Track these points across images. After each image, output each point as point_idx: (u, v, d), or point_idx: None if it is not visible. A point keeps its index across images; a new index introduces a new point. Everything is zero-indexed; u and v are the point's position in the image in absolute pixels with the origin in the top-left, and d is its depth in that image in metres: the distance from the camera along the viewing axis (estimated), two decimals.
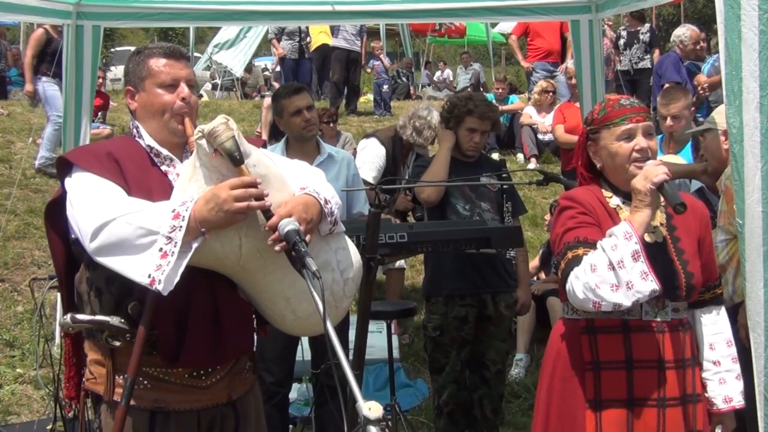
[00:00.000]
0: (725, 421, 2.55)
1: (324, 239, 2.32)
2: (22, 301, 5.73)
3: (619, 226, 2.34)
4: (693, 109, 4.52)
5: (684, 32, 8.09)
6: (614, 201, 2.54)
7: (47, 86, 8.23)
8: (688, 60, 7.98)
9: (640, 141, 2.45)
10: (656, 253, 2.42)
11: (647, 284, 2.28)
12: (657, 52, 9.69)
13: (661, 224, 2.51)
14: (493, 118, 4.18)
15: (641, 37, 9.65)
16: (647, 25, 10.01)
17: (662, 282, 2.33)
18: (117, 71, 16.94)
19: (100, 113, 9.60)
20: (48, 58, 8.13)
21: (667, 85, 7.10)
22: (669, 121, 4.31)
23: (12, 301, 5.75)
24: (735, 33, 2.56)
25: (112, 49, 16.49)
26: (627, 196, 2.47)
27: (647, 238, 2.44)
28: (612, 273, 2.29)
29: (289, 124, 4.05)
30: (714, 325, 2.59)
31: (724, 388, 2.53)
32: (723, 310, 2.62)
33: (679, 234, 2.51)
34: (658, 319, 2.47)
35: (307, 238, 2.13)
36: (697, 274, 2.48)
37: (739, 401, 2.54)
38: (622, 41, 9.71)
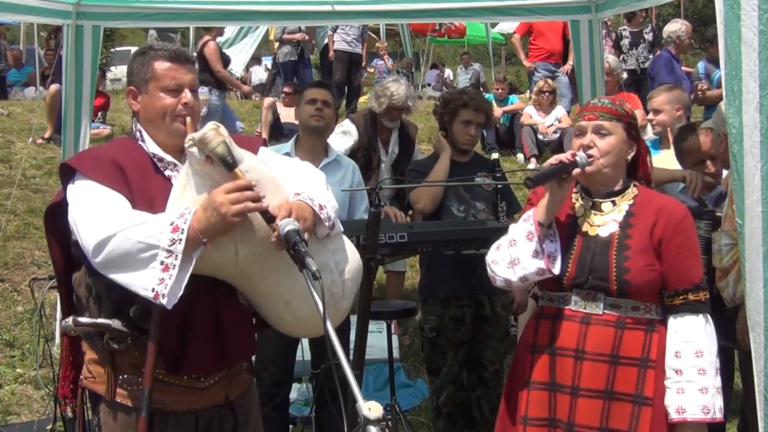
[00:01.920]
0: None
1: (321, 241, 2.32)
2: (22, 301, 5.73)
3: (527, 212, 2.59)
4: (679, 106, 4.50)
5: (679, 27, 7.82)
6: (575, 196, 2.68)
7: (214, 98, 8.69)
8: (683, 55, 7.79)
9: (586, 138, 2.58)
10: (593, 246, 2.56)
11: (534, 262, 2.50)
12: (658, 52, 9.66)
13: (614, 220, 2.59)
14: (488, 110, 4.25)
15: (646, 36, 9.64)
16: (649, 26, 9.99)
17: (590, 273, 2.50)
18: (117, 71, 16.91)
19: (100, 113, 9.59)
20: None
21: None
22: (650, 115, 4.47)
23: (12, 301, 5.75)
24: (735, 33, 2.56)
25: (112, 49, 16.45)
26: (585, 191, 2.65)
27: (591, 231, 2.58)
28: (508, 251, 2.56)
29: (302, 111, 4.13)
30: (684, 333, 2.48)
31: (680, 398, 2.44)
32: (701, 320, 2.50)
33: (632, 231, 2.56)
34: (586, 311, 2.54)
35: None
36: (635, 271, 2.49)
37: (693, 414, 2.42)
38: (627, 41, 9.67)
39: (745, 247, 2.62)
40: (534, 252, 2.50)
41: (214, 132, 2.12)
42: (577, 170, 2.53)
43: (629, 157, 2.63)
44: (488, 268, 2.65)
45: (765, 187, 2.57)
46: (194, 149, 2.14)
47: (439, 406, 4.15)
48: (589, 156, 2.55)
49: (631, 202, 2.60)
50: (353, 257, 2.43)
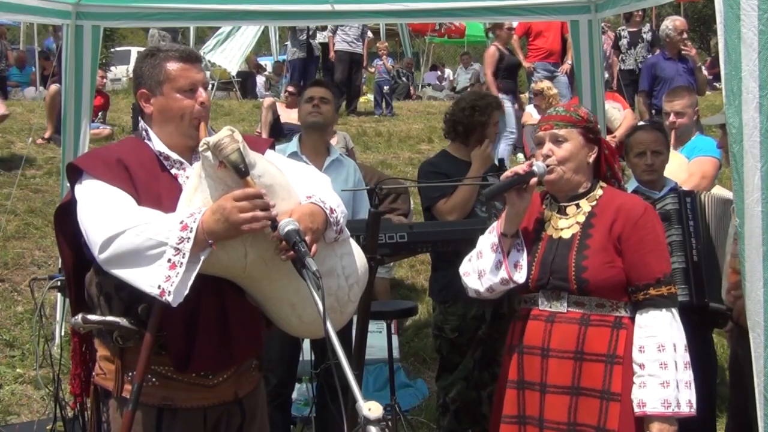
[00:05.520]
0: (648, 426, 2.49)
1: (329, 245, 2.33)
2: (22, 301, 5.73)
3: (492, 223, 2.69)
4: (697, 109, 4.60)
5: (667, 25, 7.51)
6: (545, 203, 2.76)
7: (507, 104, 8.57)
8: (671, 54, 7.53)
9: (544, 148, 2.67)
10: (555, 248, 2.63)
11: (497, 273, 2.61)
12: (658, 51, 9.64)
13: (578, 222, 2.65)
14: None
15: (644, 36, 9.63)
16: (648, 25, 9.99)
17: (551, 274, 2.58)
18: (117, 71, 16.92)
19: (100, 113, 9.59)
20: (502, 74, 9.05)
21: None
22: (672, 117, 4.47)
23: (12, 301, 5.75)
24: (734, 33, 2.56)
25: (112, 49, 16.46)
26: (553, 197, 2.73)
27: (555, 234, 2.65)
28: (476, 263, 2.67)
29: (301, 110, 4.14)
30: (648, 328, 2.52)
31: (641, 392, 2.49)
32: (664, 314, 2.53)
33: (593, 231, 2.62)
34: (552, 309, 2.60)
35: (313, 248, 2.14)
36: (592, 269, 2.55)
37: (653, 408, 2.46)
38: (625, 41, 9.67)
39: (745, 247, 2.63)
40: (497, 263, 2.60)
41: (229, 138, 2.12)
42: (534, 179, 2.59)
43: (590, 159, 2.69)
44: (462, 280, 2.74)
45: (765, 187, 2.57)
46: (208, 153, 2.14)
47: (447, 402, 4.10)
48: (549, 165, 2.63)
49: (595, 203, 2.67)
50: (360, 262, 2.45)
